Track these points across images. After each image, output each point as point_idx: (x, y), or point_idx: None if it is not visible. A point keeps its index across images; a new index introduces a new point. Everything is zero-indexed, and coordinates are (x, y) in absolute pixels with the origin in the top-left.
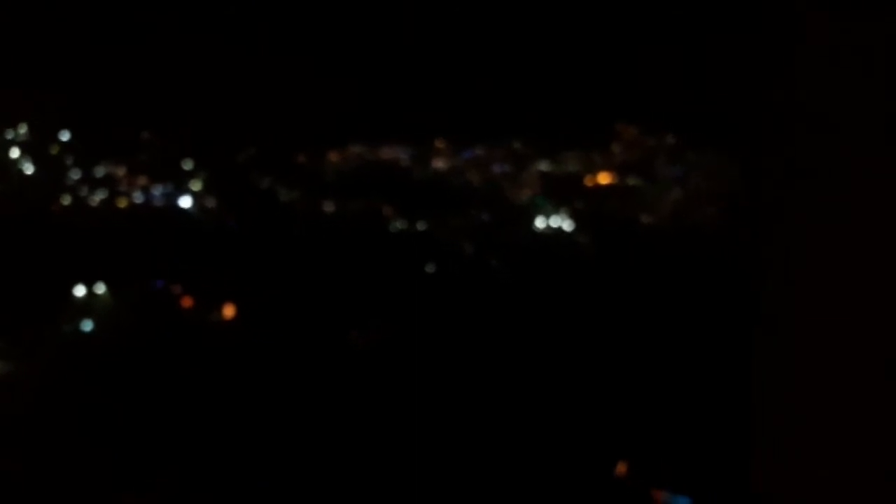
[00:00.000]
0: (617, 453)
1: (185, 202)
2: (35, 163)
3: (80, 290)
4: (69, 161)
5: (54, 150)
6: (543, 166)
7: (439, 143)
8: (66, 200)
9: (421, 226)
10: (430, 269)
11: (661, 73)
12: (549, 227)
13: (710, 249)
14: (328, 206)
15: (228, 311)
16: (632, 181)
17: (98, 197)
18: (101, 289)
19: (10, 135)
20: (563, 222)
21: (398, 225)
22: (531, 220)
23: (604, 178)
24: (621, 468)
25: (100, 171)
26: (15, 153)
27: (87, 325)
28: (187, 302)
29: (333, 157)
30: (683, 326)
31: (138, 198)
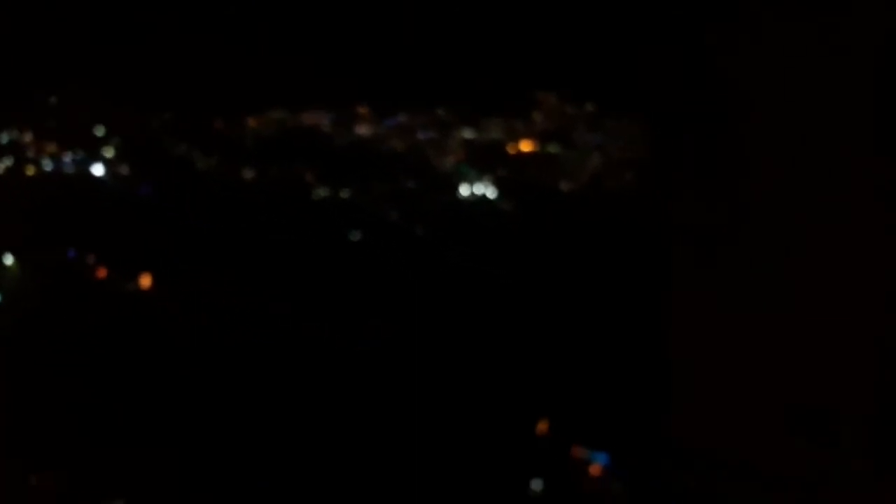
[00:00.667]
0: (537, 412)
1: (98, 170)
2: None
3: None
4: None
5: None
6: (467, 133)
7: (362, 110)
8: None
9: (345, 193)
10: (354, 237)
11: (579, 42)
12: (473, 195)
13: (627, 214)
14: (248, 174)
15: (145, 281)
16: (553, 149)
17: (3, 165)
18: (9, 260)
19: None
20: (487, 189)
21: (321, 192)
22: (456, 187)
23: (526, 146)
24: (542, 427)
25: (4, 139)
26: None
27: None
28: (101, 273)
29: (252, 122)
30: (601, 288)
31: (47, 165)
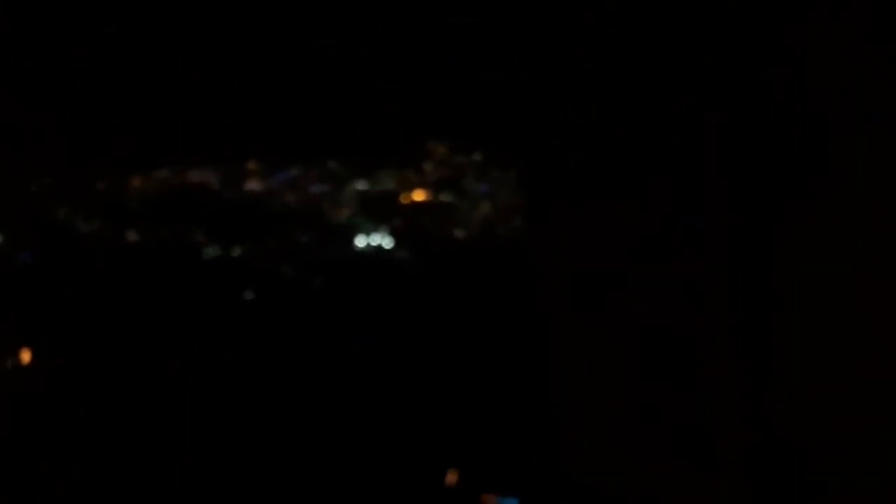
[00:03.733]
0: (444, 463)
1: None
2: None
3: None
4: None
5: None
6: (360, 185)
7: (251, 165)
8: None
9: (236, 251)
10: (248, 295)
11: (466, 93)
12: (369, 245)
13: (515, 259)
14: (132, 236)
15: (25, 355)
16: (445, 197)
17: None
18: None
19: None
20: (383, 240)
21: (211, 251)
22: (351, 238)
23: (419, 196)
24: (451, 477)
25: None
26: None
27: None
28: None
29: (136, 182)
30: (494, 332)
31: None
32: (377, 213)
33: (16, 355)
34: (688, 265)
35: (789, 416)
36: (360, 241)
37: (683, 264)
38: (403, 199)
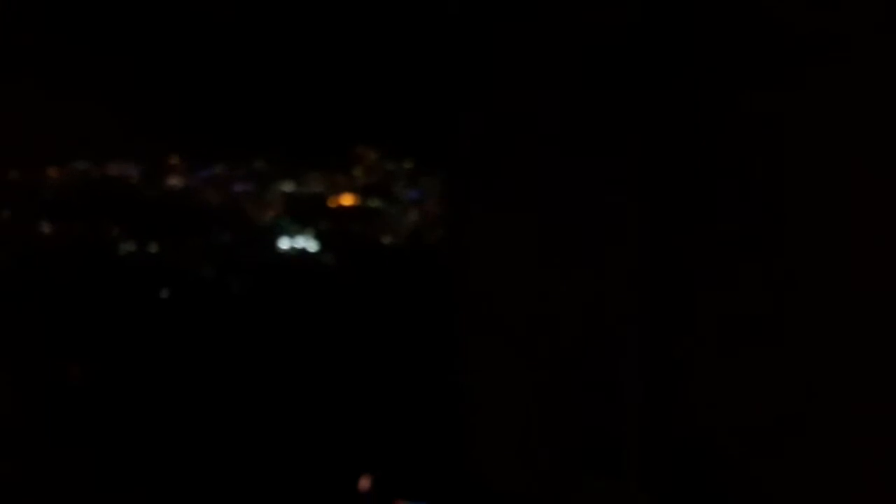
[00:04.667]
0: (357, 468)
1: None
2: None
3: None
4: None
5: None
6: (287, 187)
7: (173, 160)
8: None
9: (153, 248)
10: (164, 294)
11: (397, 100)
12: (293, 248)
13: (439, 267)
14: (46, 228)
15: None
16: (373, 203)
17: None
18: None
19: None
20: (308, 243)
21: (127, 247)
22: (275, 241)
23: (347, 200)
24: (364, 482)
25: None
26: None
27: None
28: None
29: (53, 173)
30: (410, 340)
31: None
32: (303, 215)
33: None
34: (594, 273)
35: (692, 423)
36: (284, 244)
37: (590, 273)
38: (331, 203)
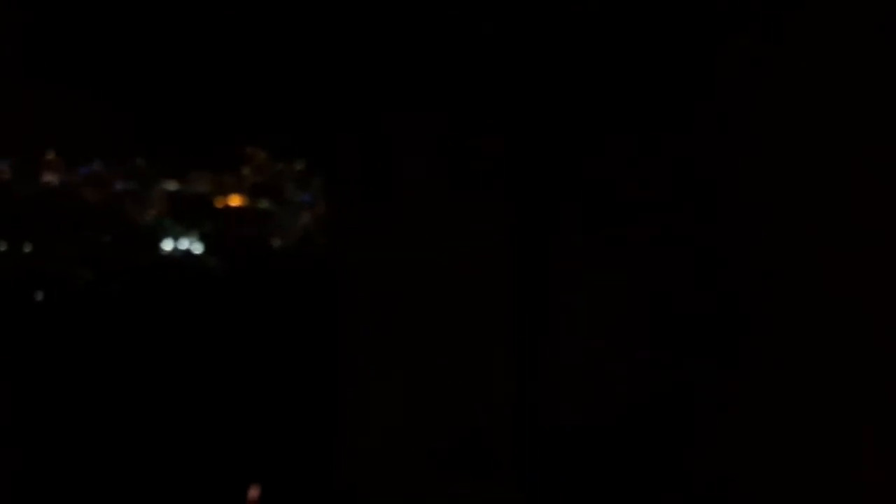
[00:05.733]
0: (246, 477)
1: None
2: None
3: None
4: None
5: None
6: (170, 186)
7: (49, 156)
8: None
9: (27, 248)
10: (38, 297)
11: (288, 100)
12: (176, 250)
13: (328, 271)
14: None
15: None
16: (262, 205)
17: None
18: None
19: None
20: (192, 245)
21: None
22: (157, 242)
23: (234, 201)
24: (253, 493)
25: None
26: None
27: None
28: None
29: None
30: (293, 346)
31: None
32: (188, 216)
33: None
34: (466, 279)
35: (563, 423)
36: (167, 245)
37: (460, 274)
38: (218, 204)
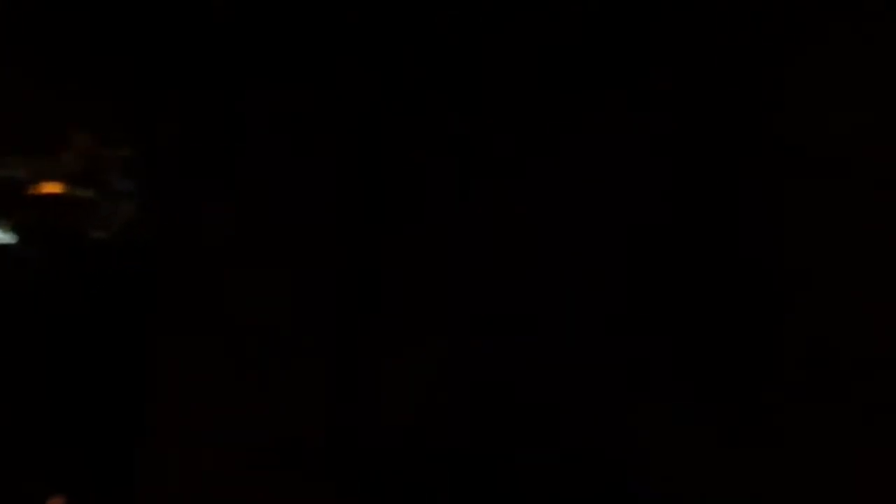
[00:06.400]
0: (50, 486)
1: None
2: None
3: None
4: None
5: None
6: None
7: None
8: None
9: None
10: None
11: (114, 81)
12: None
13: (146, 263)
14: None
15: None
16: (83, 193)
17: None
18: None
19: None
20: (3, 235)
21: None
22: None
23: (51, 188)
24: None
25: None
26: None
27: None
28: None
29: None
30: (105, 344)
31: None
32: None
33: None
34: (291, 273)
35: (376, 420)
36: None
37: (287, 272)
38: (33, 191)
